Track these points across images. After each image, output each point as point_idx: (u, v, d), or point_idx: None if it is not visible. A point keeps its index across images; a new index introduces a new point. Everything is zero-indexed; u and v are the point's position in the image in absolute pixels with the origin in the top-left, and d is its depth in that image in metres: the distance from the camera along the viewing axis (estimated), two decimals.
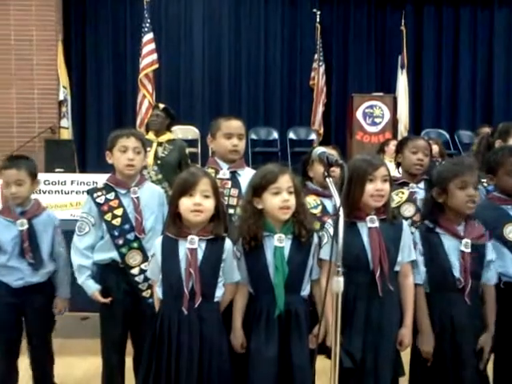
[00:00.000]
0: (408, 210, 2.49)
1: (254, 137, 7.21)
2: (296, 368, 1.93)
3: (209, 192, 1.95)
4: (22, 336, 2.53)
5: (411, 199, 2.53)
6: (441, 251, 2.07)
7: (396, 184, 2.51)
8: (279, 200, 1.95)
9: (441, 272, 2.07)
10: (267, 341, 1.94)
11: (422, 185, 2.60)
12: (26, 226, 2.43)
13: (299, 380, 1.92)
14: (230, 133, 2.41)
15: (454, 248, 2.07)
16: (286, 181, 1.97)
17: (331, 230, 1.99)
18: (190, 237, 1.93)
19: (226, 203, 2.33)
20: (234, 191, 2.36)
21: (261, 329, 1.96)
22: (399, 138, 6.55)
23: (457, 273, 2.04)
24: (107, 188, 2.35)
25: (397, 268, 2.05)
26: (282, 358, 1.94)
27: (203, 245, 1.95)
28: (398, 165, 2.75)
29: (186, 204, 1.92)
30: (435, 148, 5.55)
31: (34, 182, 2.49)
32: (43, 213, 2.53)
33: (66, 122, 6.73)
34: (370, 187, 1.99)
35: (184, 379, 1.88)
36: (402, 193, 2.54)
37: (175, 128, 6.47)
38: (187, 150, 4.58)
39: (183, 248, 1.93)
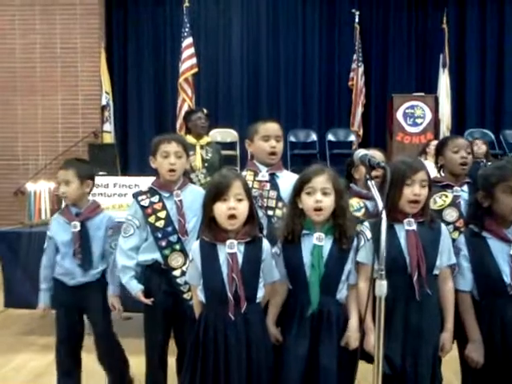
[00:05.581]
0: (450, 215, 2.39)
1: (292, 139, 7.20)
2: (322, 368, 1.90)
3: (242, 195, 1.92)
4: (83, 333, 2.62)
5: (454, 203, 2.42)
6: (488, 256, 2.00)
7: (439, 186, 2.44)
8: (312, 200, 1.94)
9: (490, 278, 1.99)
10: (297, 339, 1.94)
11: (465, 187, 2.47)
12: (78, 228, 2.50)
13: (324, 381, 1.90)
14: (268, 135, 2.43)
15: (503, 252, 1.99)
16: (320, 181, 1.94)
17: (367, 233, 1.98)
18: (229, 241, 1.91)
19: (265, 205, 2.34)
20: (273, 193, 2.38)
21: (293, 326, 1.96)
22: (441, 138, 6.41)
23: (507, 278, 1.96)
24: (151, 191, 2.39)
25: (436, 272, 2.00)
26: (310, 357, 1.92)
27: (242, 248, 1.93)
28: (439, 168, 2.61)
29: (220, 209, 1.90)
30: (483, 148, 5.40)
31: (83, 184, 2.55)
32: (99, 215, 2.59)
33: (109, 127, 6.92)
34: (407, 191, 1.95)
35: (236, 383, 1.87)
36: (446, 196, 2.44)
37: (214, 131, 6.59)
38: (222, 153, 4.66)
39: (223, 253, 1.92)
